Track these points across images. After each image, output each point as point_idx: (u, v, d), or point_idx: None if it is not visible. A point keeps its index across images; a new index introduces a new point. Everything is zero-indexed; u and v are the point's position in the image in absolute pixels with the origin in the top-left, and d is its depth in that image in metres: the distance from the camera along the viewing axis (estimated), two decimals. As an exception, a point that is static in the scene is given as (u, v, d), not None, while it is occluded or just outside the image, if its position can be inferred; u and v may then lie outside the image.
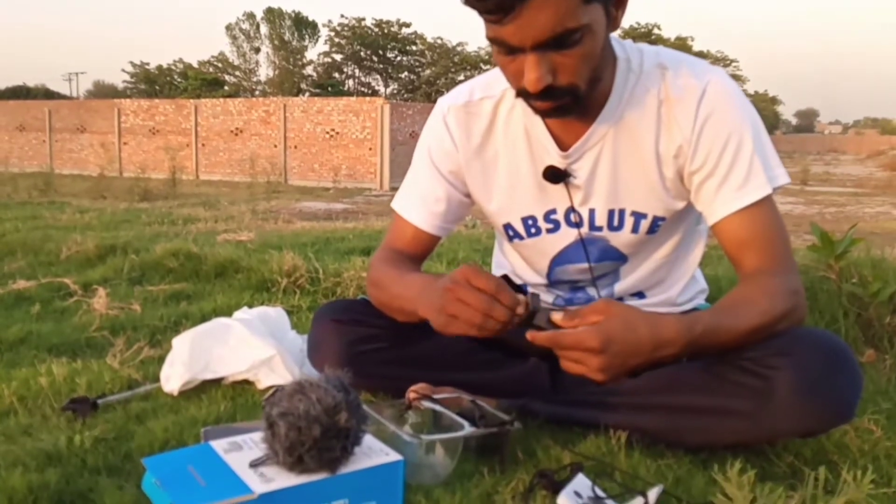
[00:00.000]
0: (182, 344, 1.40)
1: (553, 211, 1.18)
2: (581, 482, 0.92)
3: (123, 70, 60.63)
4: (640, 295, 1.27)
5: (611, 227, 1.17)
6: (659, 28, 41.23)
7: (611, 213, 1.15)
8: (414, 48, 41.73)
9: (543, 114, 1.05)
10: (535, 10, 0.89)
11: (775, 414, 0.98)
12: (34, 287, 2.23)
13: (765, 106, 54.28)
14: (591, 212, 1.16)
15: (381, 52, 41.36)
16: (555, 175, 1.12)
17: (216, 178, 16.08)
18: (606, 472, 0.98)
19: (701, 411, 1.04)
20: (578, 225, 1.17)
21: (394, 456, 0.89)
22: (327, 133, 15.65)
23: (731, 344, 1.00)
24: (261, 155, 15.46)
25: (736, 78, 50.16)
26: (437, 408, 1.05)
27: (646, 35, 37.64)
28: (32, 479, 0.97)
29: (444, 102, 1.22)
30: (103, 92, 48.70)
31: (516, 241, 1.24)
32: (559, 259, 1.23)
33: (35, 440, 1.14)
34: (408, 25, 40.92)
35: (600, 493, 0.91)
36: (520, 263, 1.31)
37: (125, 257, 2.58)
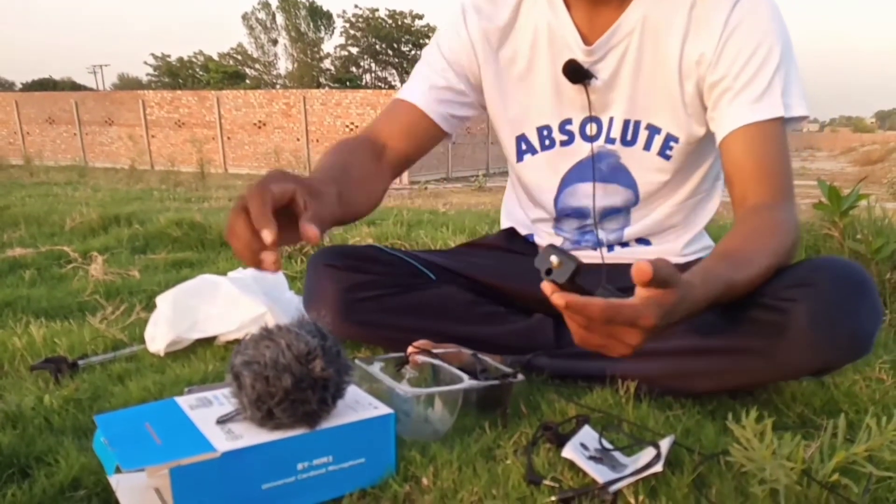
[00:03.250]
0: (165, 302, 1.30)
1: (569, 121, 1.11)
2: (587, 434, 0.83)
3: (146, 62, 61.28)
4: (645, 242, 1.20)
5: (624, 141, 1.09)
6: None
7: (626, 123, 1.09)
8: (427, 41, 41.87)
9: None
10: None
11: (791, 349, 0.88)
12: (32, 255, 2.14)
13: None
14: (611, 120, 1.08)
15: (395, 45, 41.59)
16: (575, 72, 1.04)
17: (244, 172, 16.18)
18: (613, 423, 0.90)
19: (712, 353, 0.94)
20: (594, 139, 1.11)
21: (383, 409, 0.77)
22: (347, 127, 15.69)
23: (745, 291, 0.89)
24: (284, 148, 15.56)
25: None
26: (436, 362, 0.93)
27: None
28: (-18, 440, 0.86)
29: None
30: (128, 85, 49.37)
31: (528, 156, 1.16)
32: (569, 177, 1.15)
33: (0, 402, 1.04)
34: (420, 17, 41.22)
35: (607, 445, 0.82)
36: (530, 190, 1.21)
37: (129, 228, 2.49)
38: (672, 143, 1.09)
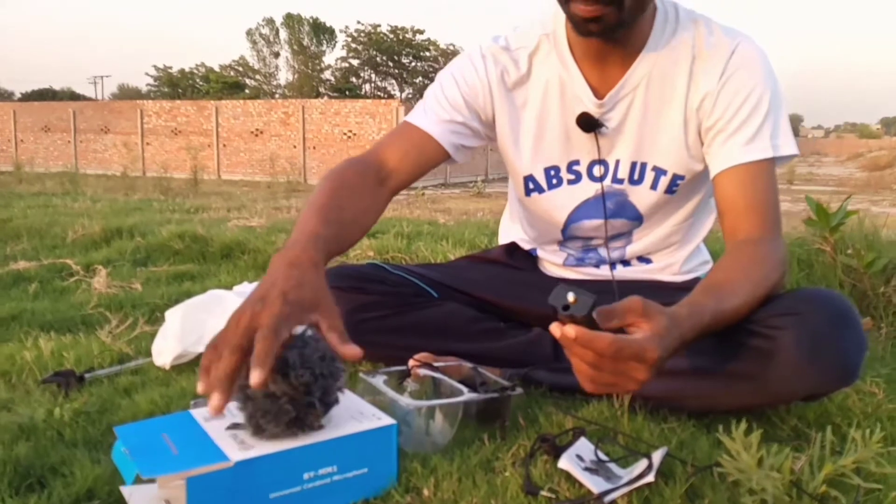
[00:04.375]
0: (174, 316, 1.32)
1: (577, 162, 1.18)
2: (583, 446, 0.86)
3: (147, 74, 61.36)
4: (646, 260, 1.26)
5: (631, 181, 1.15)
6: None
7: (633, 165, 1.16)
8: (427, 54, 42.14)
9: (583, 24, 0.99)
10: None
11: (779, 375, 0.93)
12: (35, 267, 2.17)
13: None
14: (617, 163, 1.14)
15: (396, 57, 41.75)
16: (588, 123, 1.11)
17: (237, 178, 16.22)
18: (609, 436, 0.93)
19: (705, 375, 0.99)
20: (601, 179, 1.17)
21: (386, 420, 0.80)
22: (345, 134, 15.74)
23: (734, 320, 0.93)
24: (280, 155, 15.59)
25: None
26: (437, 375, 0.97)
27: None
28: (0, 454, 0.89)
29: (481, 43, 1.18)
30: (127, 95, 49.47)
31: (535, 194, 1.21)
32: (576, 214, 1.20)
33: (12, 414, 1.07)
34: (421, 32, 41.62)
35: (603, 456, 0.85)
36: (535, 221, 1.27)
37: (131, 240, 2.52)
38: (678, 181, 1.16)
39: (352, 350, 0.75)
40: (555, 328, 0.74)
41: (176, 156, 16.42)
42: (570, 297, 0.73)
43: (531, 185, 1.21)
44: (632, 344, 0.74)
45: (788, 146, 1.06)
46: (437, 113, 1.14)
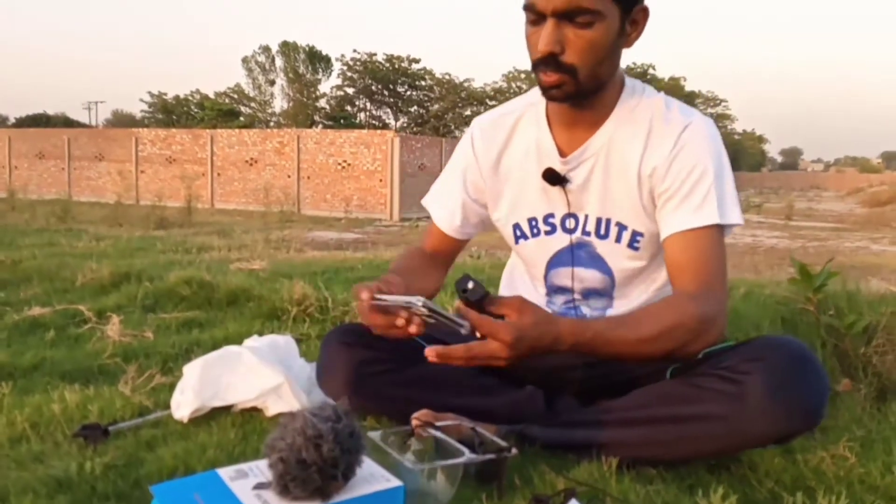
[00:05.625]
0: (192, 371, 1.42)
1: (552, 215, 1.31)
2: None
3: (141, 100, 61.55)
4: None
5: (598, 235, 1.29)
6: (654, 69, 42.85)
7: (599, 220, 1.28)
8: (423, 83, 42.43)
9: (547, 90, 1.17)
10: None
11: (748, 416, 1.06)
12: (49, 314, 2.26)
13: (752, 144, 55.60)
14: (585, 217, 1.29)
15: (391, 86, 41.99)
16: (552, 177, 1.26)
17: (231, 207, 16.27)
18: (598, 497, 1.01)
19: (681, 420, 1.12)
20: (572, 231, 1.30)
21: (394, 482, 0.90)
22: (339, 164, 15.85)
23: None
24: (275, 185, 15.66)
25: (725, 117, 51.56)
26: (439, 435, 1.07)
27: (641, 75, 38.49)
28: (43, 506, 0.99)
29: (475, 121, 1.39)
30: (122, 121, 49.50)
31: (522, 241, 1.36)
32: (554, 261, 1.35)
33: (46, 467, 1.16)
34: (417, 61, 41.60)
35: None
36: (526, 270, 1.42)
37: (139, 285, 2.62)
38: (638, 237, 1.27)
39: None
40: (428, 352, 1.02)
41: (170, 184, 16.47)
42: (470, 284, 1.01)
43: (518, 233, 1.36)
44: (483, 346, 1.02)
45: (734, 215, 1.19)
46: (443, 209, 1.39)
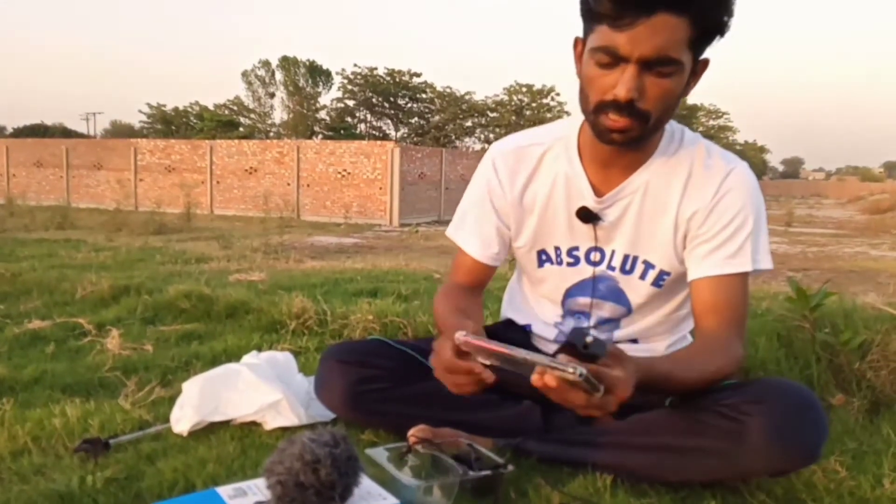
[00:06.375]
0: (192, 388, 1.44)
1: (576, 248, 1.31)
2: None
3: (140, 111, 61.62)
4: (633, 341, 1.38)
5: (623, 271, 1.30)
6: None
7: (626, 257, 1.29)
8: (424, 96, 42.49)
9: (608, 133, 1.12)
10: (654, 28, 1.02)
11: (748, 455, 1.09)
12: (49, 326, 2.28)
13: (754, 154, 55.73)
14: (612, 252, 1.29)
15: (392, 98, 42.05)
16: (586, 215, 1.26)
17: (230, 213, 16.28)
18: None
19: (681, 451, 1.15)
20: (597, 264, 1.31)
21: (391, 500, 0.92)
22: (339, 173, 15.87)
23: (678, 388, 1.14)
24: (274, 192, 15.67)
25: (727, 129, 51.49)
26: (437, 453, 1.09)
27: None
28: (45, 520, 1.00)
29: (494, 148, 1.36)
30: (120, 132, 49.51)
31: (547, 265, 1.35)
32: (572, 291, 1.35)
33: (48, 480, 1.18)
34: (418, 75, 41.73)
35: None
36: (542, 292, 1.40)
37: (139, 298, 2.64)
38: (665, 276, 1.29)
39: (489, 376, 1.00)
40: (536, 379, 0.90)
41: (169, 192, 16.47)
42: (589, 338, 0.92)
43: (543, 258, 1.35)
44: (605, 399, 0.92)
45: (766, 262, 1.22)
46: (475, 237, 1.35)
